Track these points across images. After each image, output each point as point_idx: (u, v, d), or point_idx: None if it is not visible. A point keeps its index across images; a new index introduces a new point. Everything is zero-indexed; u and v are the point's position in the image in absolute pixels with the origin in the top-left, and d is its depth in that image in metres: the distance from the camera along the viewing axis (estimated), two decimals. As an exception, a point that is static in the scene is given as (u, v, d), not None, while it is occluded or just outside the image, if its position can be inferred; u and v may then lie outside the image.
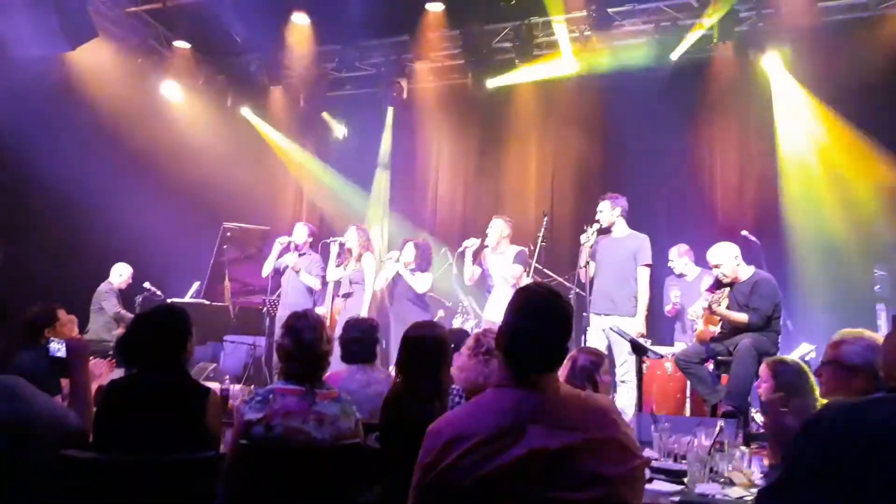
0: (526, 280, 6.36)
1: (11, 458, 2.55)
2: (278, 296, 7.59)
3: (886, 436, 1.52)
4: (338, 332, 6.26)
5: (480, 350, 3.22)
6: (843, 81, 7.15)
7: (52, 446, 2.62)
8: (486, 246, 6.67)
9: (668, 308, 7.05)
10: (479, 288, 7.05)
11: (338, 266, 7.18)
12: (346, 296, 7.04)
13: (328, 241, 7.29)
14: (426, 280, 6.94)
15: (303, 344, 2.97)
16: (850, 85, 7.12)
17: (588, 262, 6.12)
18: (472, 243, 6.70)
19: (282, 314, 7.10)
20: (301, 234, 7.41)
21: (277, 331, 6.59)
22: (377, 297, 7.20)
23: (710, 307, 5.45)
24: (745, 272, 5.46)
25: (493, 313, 6.47)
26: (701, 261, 6.66)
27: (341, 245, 7.14)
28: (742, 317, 5.28)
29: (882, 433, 1.52)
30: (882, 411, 1.59)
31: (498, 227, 6.69)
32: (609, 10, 7.89)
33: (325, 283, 7.36)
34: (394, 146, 9.72)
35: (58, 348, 3.10)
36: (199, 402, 2.75)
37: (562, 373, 3.42)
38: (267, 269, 7.47)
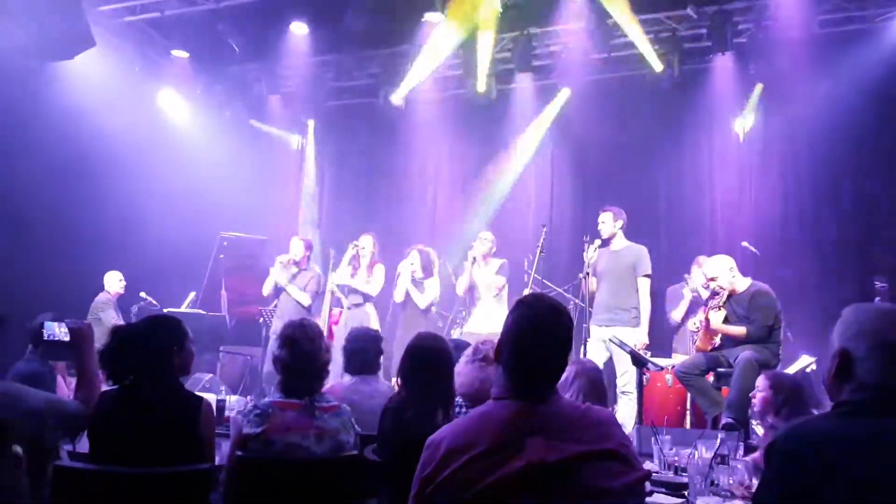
0: (510, 291, 6.43)
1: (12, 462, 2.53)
2: (275, 306, 7.53)
3: (833, 454, 1.54)
4: (338, 342, 6.27)
5: (478, 357, 3.23)
6: (840, 92, 7.17)
7: (52, 439, 2.60)
8: (473, 259, 6.71)
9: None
10: (467, 302, 7.07)
11: (347, 270, 7.13)
12: (356, 306, 7.00)
13: (351, 244, 7.19)
14: (432, 289, 6.92)
15: (300, 355, 2.93)
16: (847, 95, 7.14)
17: (588, 274, 6.11)
18: (478, 252, 6.74)
19: (276, 326, 7.04)
20: (297, 248, 7.34)
21: (272, 342, 6.53)
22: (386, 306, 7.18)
23: (707, 321, 5.43)
24: (742, 284, 5.46)
25: (476, 325, 6.51)
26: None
27: (357, 250, 7.09)
28: (740, 330, 5.26)
29: (830, 452, 1.55)
30: (828, 428, 1.62)
31: (486, 241, 6.76)
32: (608, 20, 7.89)
33: (321, 294, 7.31)
34: (392, 156, 9.71)
35: (61, 332, 3.00)
36: (192, 413, 2.71)
37: (572, 388, 3.41)
38: (267, 289, 7.37)
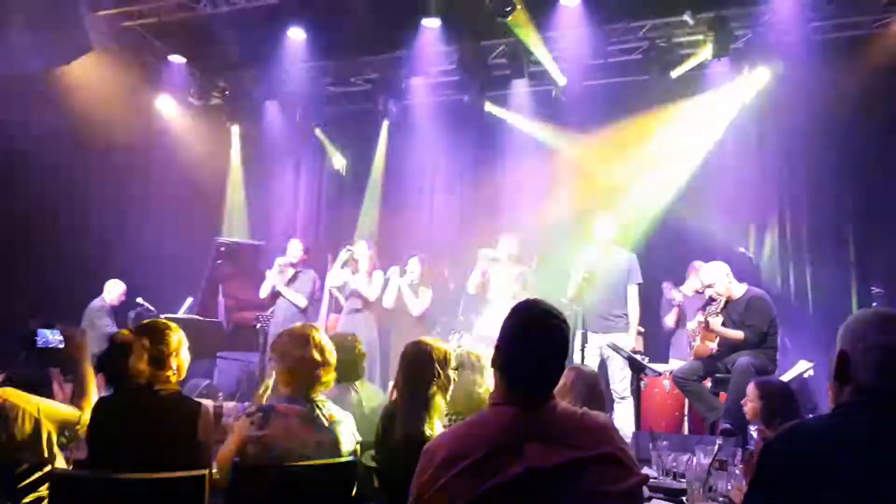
0: (523, 296, 6.38)
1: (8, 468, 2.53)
2: (272, 312, 7.52)
3: (828, 452, 1.57)
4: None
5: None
6: (837, 99, 7.18)
7: (49, 444, 2.59)
8: (497, 259, 6.69)
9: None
10: (475, 302, 7.04)
11: (344, 272, 7.11)
12: (355, 311, 7.00)
13: (345, 248, 7.20)
14: (425, 297, 6.92)
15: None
16: (844, 102, 7.16)
17: (585, 279, 6.10)
18: (488, 253, 6.72)
19: (273, 332, 7.03)
20: (296, 250, 7.36)
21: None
22: (383, 313, 7.17)
23: (706, 322, 5.44)
24: (738, 290, 5.48)
25: (488, 328, 6.48)
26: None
27: (351, 255, 7.10)
28: (738, 334, 5.28)
29: (825, 450, 1.58)
30: (825, 427, 1.67)
31: (513, 244, 6.72)
32: (604, 26, 7.91)
33: (320, 298, 7.31)
34: (389, 162, 9.72)
35: (56, 339, 3.00)
36: (191, 418, 2.70)
37: (570, 393, 3.41)
38: (265, 292, 7.38)
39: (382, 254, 7.32)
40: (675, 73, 7.91)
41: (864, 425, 1.60)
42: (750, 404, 3.63)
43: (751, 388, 3.67)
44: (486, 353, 3.37)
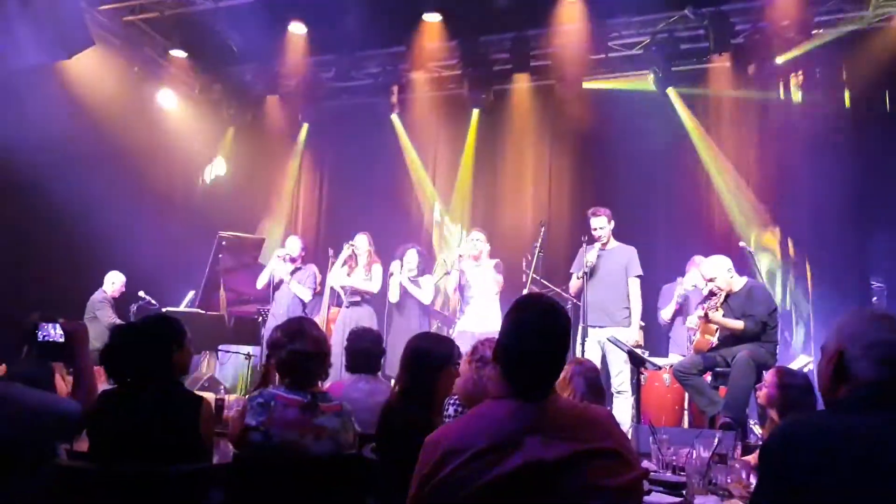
0: (509, 290, 6.44)
1: (9, 463, 2.53)
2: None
3: (832, 447, 1.58)
4: (334, 340, 6.28)
5: (475, 358, 3.24)
6: (837, 93, 7.18)
7: (49, 439, 2.60)
8: (469, 256, 6.72)
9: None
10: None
11: (343, 270, 7.14)
12: (353, 304, 7.02)
13: (346, 244, 7.23)
14: (429, 287, 6.95)
15: (313, 343, 2.99)
16: (844, 96, 7.16)
17: (586, 274, 6.11)
18: (466, 251, 6.75)
19: (270, 325, 7.06)
20: (294, 246, 7.41)
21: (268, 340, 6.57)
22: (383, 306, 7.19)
23: (705, 315, 5.45)
24: (739, 283, 5.49)
25: (470, 324, 6.54)
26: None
27: (352, 250, 7.12)
28: (738, 323, 5.29)
29: (828, 446, 1.59)
30: (828, 423, 1.67)
31: (482, 240, 6.76)
32: (606, 20, 7.91)
33: (321, 293, 7.34)
34: (390, 156, 9.71)
35: (57, 333, 3.01)
36: (192, 412, 2.72)
37: (570, 387, 3.42)
38: (262, 281, 7.47)
39: (383, 248, 7.32)
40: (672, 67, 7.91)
41: (863, 420, 1.61)
42: (766, 390, 3.58)
43: (771, 375, 3.62)
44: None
